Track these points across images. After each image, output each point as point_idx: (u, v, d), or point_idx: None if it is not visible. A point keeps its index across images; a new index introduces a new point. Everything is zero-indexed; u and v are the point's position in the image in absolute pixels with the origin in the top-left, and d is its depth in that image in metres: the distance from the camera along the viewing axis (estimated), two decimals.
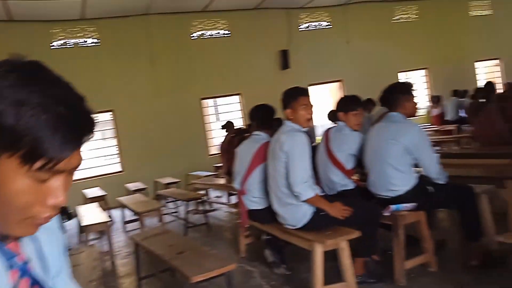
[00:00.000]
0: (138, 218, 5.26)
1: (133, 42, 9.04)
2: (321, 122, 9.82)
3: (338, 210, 2.86)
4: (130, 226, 6.20)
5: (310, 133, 3.91)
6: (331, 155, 3.50)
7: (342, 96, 3.77)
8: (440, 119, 9.91)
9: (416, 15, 11.89)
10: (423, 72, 12.05)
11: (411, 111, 3.22)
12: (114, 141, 9.14)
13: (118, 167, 9.05)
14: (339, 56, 10.91)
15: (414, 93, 3.26)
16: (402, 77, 11.65)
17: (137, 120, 8.97)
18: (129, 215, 6.31)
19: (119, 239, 5.68)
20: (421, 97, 11.97)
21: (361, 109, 3.56)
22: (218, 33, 9.95)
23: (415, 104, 3.25)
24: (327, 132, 3.69)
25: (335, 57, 10.86)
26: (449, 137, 8.10)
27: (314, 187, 2.93)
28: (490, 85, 5.91)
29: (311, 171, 2.95)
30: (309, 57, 10.56)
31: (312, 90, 10.66)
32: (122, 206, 6.08)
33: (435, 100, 10.35)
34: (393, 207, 3.02)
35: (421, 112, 11.62)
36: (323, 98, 11.50)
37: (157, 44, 9.19)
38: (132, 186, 7.57)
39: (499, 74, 12.75)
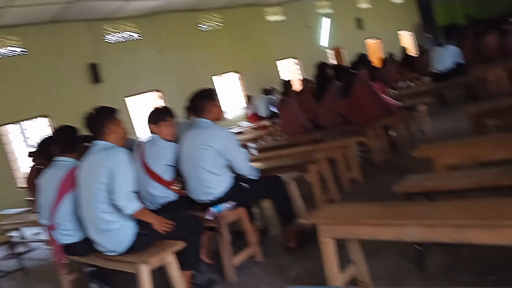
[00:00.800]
0: None
1: None
2: (143, 134, 9.57)
3: (161, 223, 2.80)
4: None
5: (132, 147, 3.75)
6: (148, 169, 3.40)
7: (152, 109, 3.68)
8: (256, 116, 10.73)
9: (221, 23, 12.59)
10: (237, 74, 12.86)
11: (218, 115, 3.37)
12: None
13: None
14: (153, 66, 10.79)
15: (217, 97, 3.40)
16: (218, 81, 12.23)
17: None
18: None
19: None
20: (238, 98, 12.80)
21: (171, 118, 3.54)
22: (13, 51, 8.74)
23: (220, 108, 3.40)
24: (141, 146, 3.57)
25: (150, 68, 10.71)
26: (264, 132, 8.83)
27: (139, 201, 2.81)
28: (287, 82, 6.64)
29: (135, 186, 2.82)
30: (123, 69, 10.17)
31: (130, 101, 10.34)
32: None
33: (248, 99, 11.17)
34: (213, 209, 3.09)
35: (241, 112, 12.42)
36: (144, 109, 11.24)
37: None
38: None
39: (299, 71, 14.52)
